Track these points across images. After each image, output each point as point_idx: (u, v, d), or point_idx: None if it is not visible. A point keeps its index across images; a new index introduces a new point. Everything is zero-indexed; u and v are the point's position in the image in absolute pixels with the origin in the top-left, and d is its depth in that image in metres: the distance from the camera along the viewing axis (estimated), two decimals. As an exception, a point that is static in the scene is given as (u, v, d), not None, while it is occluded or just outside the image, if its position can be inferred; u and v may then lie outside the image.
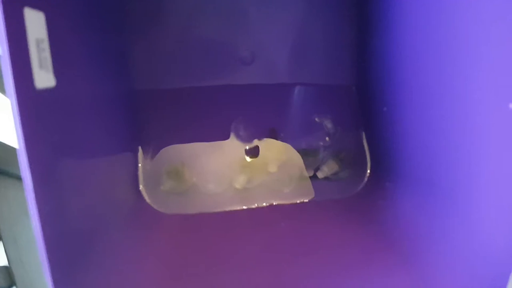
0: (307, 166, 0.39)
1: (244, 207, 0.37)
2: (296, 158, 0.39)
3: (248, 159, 0.38)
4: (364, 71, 0.38)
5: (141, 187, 0.36)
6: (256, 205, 0.37)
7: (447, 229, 0.26)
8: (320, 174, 0.39)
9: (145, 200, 0.36)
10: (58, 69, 0.21)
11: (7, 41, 0.17)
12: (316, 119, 0.39)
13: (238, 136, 0.38)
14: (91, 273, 0.23)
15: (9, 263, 0.40)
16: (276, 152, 0.39)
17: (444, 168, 0.27)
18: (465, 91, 0.24)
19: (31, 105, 0.18)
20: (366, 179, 0.39)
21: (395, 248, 0.29)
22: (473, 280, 0.23)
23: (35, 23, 0.19)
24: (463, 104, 0.24)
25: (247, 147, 0.38)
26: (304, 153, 0.39)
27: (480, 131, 0.23)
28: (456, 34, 0.24)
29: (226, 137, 0.38)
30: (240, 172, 0.38)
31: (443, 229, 0.26)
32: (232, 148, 0.38)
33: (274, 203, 0.38)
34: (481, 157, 0.23)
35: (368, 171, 0.39)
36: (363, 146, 0.40)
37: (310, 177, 0.39)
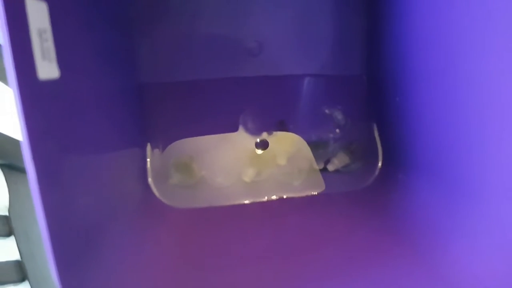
0: (317, 158, 0.38)
1: (253, 201, 0.37)
2: (305, 150, 0.38)
3: (258, 151, 0.38)
4: (375, 60, 0.37)
5: (149, 180, 0.36)
6: (265, 198, 0.37)
7: (464, 223, 0.25)
8: (330, 167, 0.39)
9: (153, 193, 0.36)
10: (62, 60, 0.21)
11: (8, 30, 0.17)
12: (326, 111, 0.39)
13: (247, 129, 0.38)
14: (99, 267, 0.23)
15: (21, 257, 0.40)
16: (285, 145, 0.38)
17: (460, 160, 0.26)
18: (482, 79, 0.23)
19: (34, 96, 0.18)
20: (377, 171, 0.38)
21: (408, 243, 0.29)
22: (491, 275, 0.23)
23: (37, 12, 0.19)
24: (479, 92, 0.23)
25: (256, 140, 0.38)
26: (314, 145, 0.38)
27: (498, 121, 0.22)
28: (472, 20, 0.23)
29: (235, 130, 0.38)
30: (248, 165, 0.38)
31: (459, 223, 0.26)
32: (240, 141, 0.38)
33: (283, 196, 0.37)
34: (499, 149, 0.22)
35: (380, 163, 0.38)
36: (374, 137, 0.39)
37: (320, 170, 0.38)
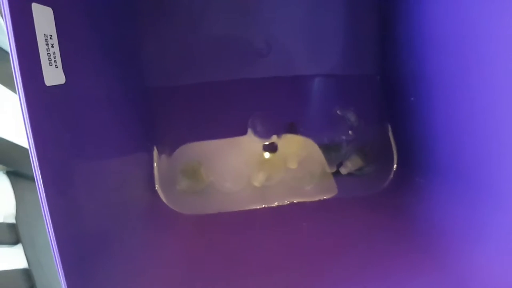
0: (330, 161, 0.38)
1: (264, 206, 0.36)
2: (317, 153, 0.38)
3: (267, 155, 0.37)
4: (389, 59, 0.37)
5: (157, 186, 0.36)
6: (276, 203, 0.37)
7: (483, 227, 0.25)
8: (343, 170, 0.38)
9: (161, 199, 0.36)
10: (68, 66, 0.20)
11: (14, 37, 0.17)
12: (338, 112, 0.38)
13: (256, 132, 0.37)
14: (106, 274, 0.22)
15: (28, 265, 0.40)
16: (296, 148, 0.38)
17: (478, 161, 0.25)
18: (499, 78, 0.23)
19: (40, 102, 0.18)
20: (392, 174, 0.38)
21: (425, 247, 0.28)
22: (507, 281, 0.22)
23: (43, 18, 0.19)
24: (496, 92, 0.23)
25: (265, 143, 0.37)
26: (326, 148, 0.38)
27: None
28: (488, 19, 0.23)
29: (243, 133, 0.37)
30: (258, 169, 0.37)
31: (478, 227, 0.25)
32: (249, 145, 0.37)
33: (295, 201, 0.37)
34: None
35: (395, 165, 0.38)
36: (389, 139, 0.38)
37: (333, 173, 0.38)
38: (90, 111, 0.24)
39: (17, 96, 0.17)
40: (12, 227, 0.41)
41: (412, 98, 0.33)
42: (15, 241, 0.40)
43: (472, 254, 0.25)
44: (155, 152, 0.36)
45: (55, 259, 0.18)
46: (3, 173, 0.42)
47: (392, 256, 0.28)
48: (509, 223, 0.23)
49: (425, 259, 0.27)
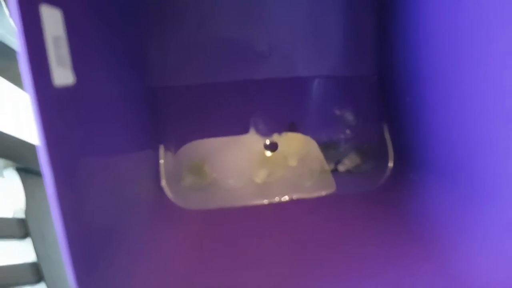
0: (328, 159, 0.38)
1: (265, 202, 0.37)
2: (316, 151, 0.38)
3: (268, 153, 0.38)
4: (386, 60, 0.37)
5: (163, 183, 0.36)
6: (276, 199, 0.37)
7: (476, 224, 0.25)
8: (341, 167, 0.39)
9: (167, 196, 0.36)
10: (77, 66, 0.21)
11: (24, 38, 0.17)
12: (336, 112, 0.38)
13: (258, 131, 0.38)
14: (114, 268, 0.23)
15: (37, 259, 0.40)
16: (296, 146, 0.38)
17: (471, 159, 0.25)
18: (493, 78, 0.23)
19: (50, 102, 0.18)
20: (389, 171, 0.38)
21: (422, 243, 0.28)
22: (508, 275, 0.22)
23: (52, 20, 0.19)
24: (490, 91, 0.23)
25: (267, 142, 0.38)
26: (325, 146, 0.38)
27: (510, 120, 0.22)
28: (482, 20, 0.23)
29: (246, 132, 0.38)
30: (260, 166, 0.38)
31: (471, 224, 0.25)
32: (251, 143, 0.38)
33: (294, 197, 0.37)
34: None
35: (391, 163, 0.38)
36: (385, 138, 0.39)
37: (331, 171, 0.38)
38: (98, 109, 0.24)
39: (26, 94, 0.17)
40: (21, 222, 0.41)
41: (407, 98, 0.33)
42: (24, 235, 0.41)
43: (467, 248, 0.25)
44: (161, 150, 0.37)
45: (64, 253, 0.18)
46: (13, 169, 0.43)
47: (388, 250, 0.28)
48: (503, 219, 0.23)
49: (421, 253, 0.27)
